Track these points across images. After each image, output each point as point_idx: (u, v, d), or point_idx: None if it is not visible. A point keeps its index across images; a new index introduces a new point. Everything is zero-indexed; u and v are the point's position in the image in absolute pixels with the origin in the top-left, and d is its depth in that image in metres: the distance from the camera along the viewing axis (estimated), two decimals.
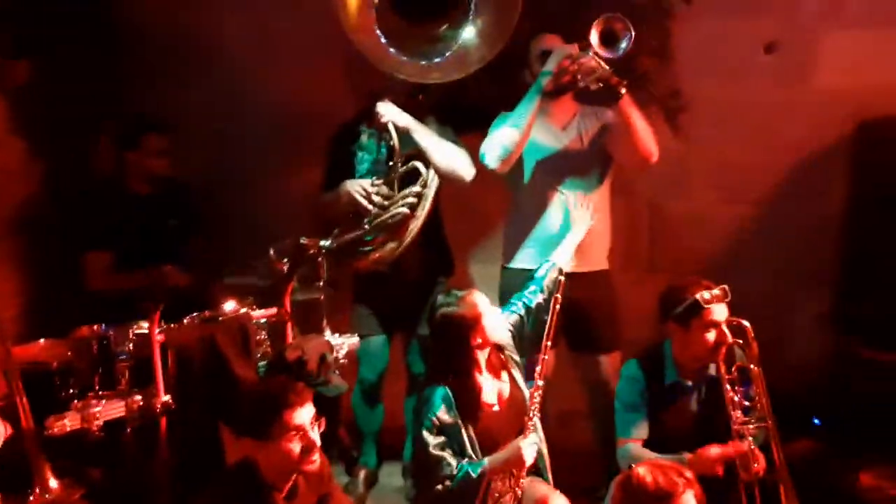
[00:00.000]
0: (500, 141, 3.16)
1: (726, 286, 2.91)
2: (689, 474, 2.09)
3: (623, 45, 3.02)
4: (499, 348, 2.97)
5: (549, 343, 2.89)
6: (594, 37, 3.00)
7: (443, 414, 2.78)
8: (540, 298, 3.05)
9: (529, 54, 3.31)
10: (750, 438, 2.85)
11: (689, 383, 3.01)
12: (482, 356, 2.88)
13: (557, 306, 2.93)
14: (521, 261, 3.33)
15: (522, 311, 3.04)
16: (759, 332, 2.94)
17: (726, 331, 2.91)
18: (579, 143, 3.32)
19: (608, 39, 3.02)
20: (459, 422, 2.79)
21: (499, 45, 3.06)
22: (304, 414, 2.38)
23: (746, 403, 2.89)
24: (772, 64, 3.74)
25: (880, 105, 3.61)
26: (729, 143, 3.78)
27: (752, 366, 2.91)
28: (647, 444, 2.98)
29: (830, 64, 3.69)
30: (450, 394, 2.81)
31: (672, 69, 3.76)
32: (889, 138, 3.52)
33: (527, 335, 3.04)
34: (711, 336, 2.90)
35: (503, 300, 3.33)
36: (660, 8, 3.71)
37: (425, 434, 2.77)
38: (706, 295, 2.88)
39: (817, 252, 3.79)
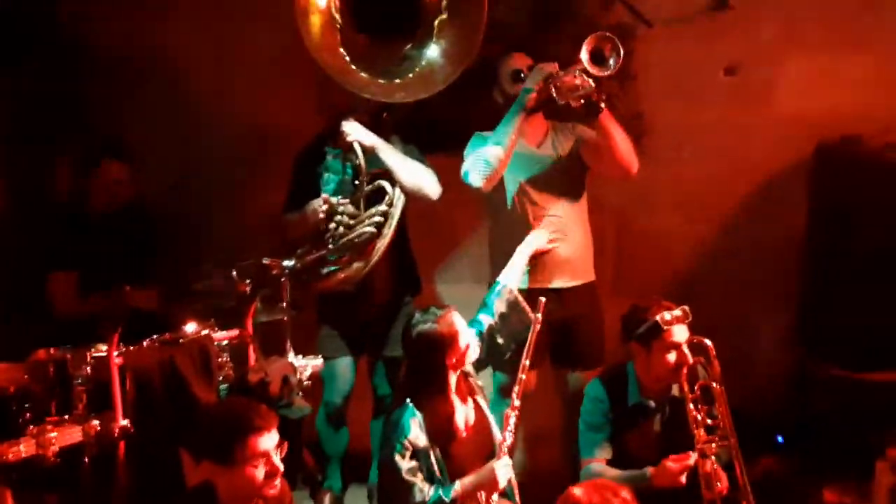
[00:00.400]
0: (483, 159, 3.18)
1: (686, 307, 2.93)
2: (625, 494, 2.09)
3: (612, 62, 3.04)
4: (465, 373, 2.95)
5: (527, 362, 2.88)
6: (584, 54, 3.02)
7: (415, 437, 2.75)
8: (490, 321, 3.04)
9: (498, 74, 3.33)
10: (713, 458, 2.86)
11: (652, 404, 3.02)
12: (453, 379, 2.86)
13: (538, 326, 2.91)
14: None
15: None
16: (722, 350, 2.97)
17: (687, 352, 2.93)
18: (557, 159, 3.35)
19: (597, 57, 3.04)
20: (430, 446, 2.77)
21: (463, 65, 3.07)
22: (270, 440, 2.34)
23: (709, 422, 2.91)
24: (732, 87, 3.80)
25: (836, 127, 3.68)
26: (691, 165, 3.84)
27: (714, 384, 2.93)
28: (611, 464, 2.98)
29: (789, 87, 3.77)
30: (420, 416, 2.79)
31: (635, 92, 3.81)
32: (845, 159, 3.59)
33: (481, 359, 3.01)
34: (672, 357, 2.92)
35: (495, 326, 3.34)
36: (624, 31, 3.76)
37: (397, 458, 2.73)
38: (666, 316, 2.89)
39: (779, 271, 3.84)
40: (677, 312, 2.91)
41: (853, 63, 3.71)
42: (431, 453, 2.76)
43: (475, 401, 2.95)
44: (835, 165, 3.63)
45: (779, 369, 3.84)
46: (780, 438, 3.63)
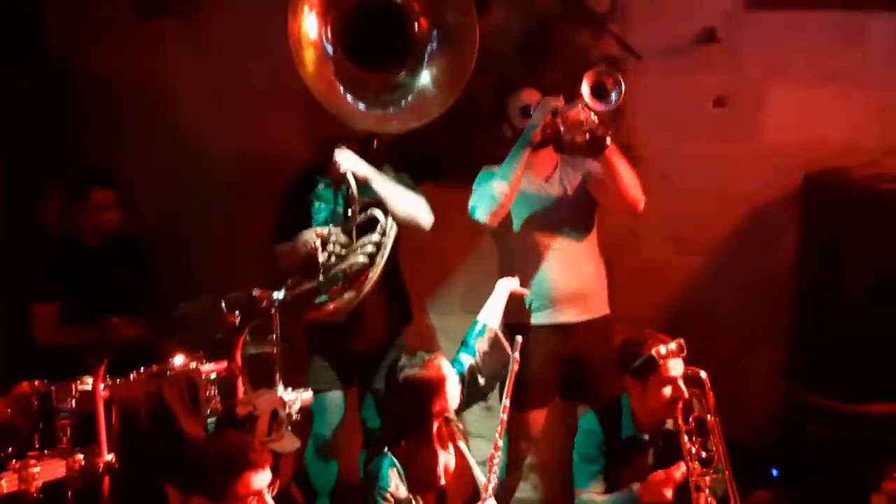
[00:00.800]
0: (490, 194, 3.17)
1: (682, 340, 2.91)
2: None
3: (614, 96, 3.04)
4: (446, 418, 2.90)
5: (507, 402, 2.85)
6: (585, 89, 3.02)
7: (394, 489, 2.73)
8: (471, 361, 3.00)
9: (507, 108, 3.34)
10: (707, 490, 2.83)
11: (647, 437, 3.00)
12: (435, 426, 2.83)
13: (516, 366, 2.88)
14: (531, 317, 3.31)
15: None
16: (714, 382, 2.96)
17: (682, 386, 2.91)
18: (564, 193, 3.35)
19: (599, 92, 3.04)
20: (411, 496, 2.74)
21: (455, 94, 3.08)
22: (263, 478, 2.31)
23: (704, 455, 2.88)
24: (721, 119, 3.83)
25: (825, 158, 3.71)
26: (681, 196, 3.84)
27: (708, 416, 2.91)
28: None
29: (776, 119, 3.79)
30: (398, 465, 2.77)
31: (625, 124, 3.82)
32: (834, 190, 3.61)
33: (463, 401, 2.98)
34: (668, 391, 2.90)
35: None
36: (613, 63, 3.79)
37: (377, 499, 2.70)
38: (662, 350, 2.87)
39: (770, 301, 3.84)
40: (672, 346, 2.89)
41: (839, 95, 3.76)
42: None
43: (456, 446, 2.91)
44: (824, 196, 3.65)
45: (771, 401, 3.83)
46: (774, 472, 3.59)
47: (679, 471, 2.84)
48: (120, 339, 3.25)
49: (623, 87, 3.02)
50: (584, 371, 3.32)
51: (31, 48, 3.83)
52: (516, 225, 3.31)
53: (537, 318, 3.30)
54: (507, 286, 3.17)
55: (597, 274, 3.38)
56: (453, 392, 2.84)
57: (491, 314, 3.10)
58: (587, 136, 3.11)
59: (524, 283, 3.28)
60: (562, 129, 3.12)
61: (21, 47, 3.76)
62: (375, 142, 3.27)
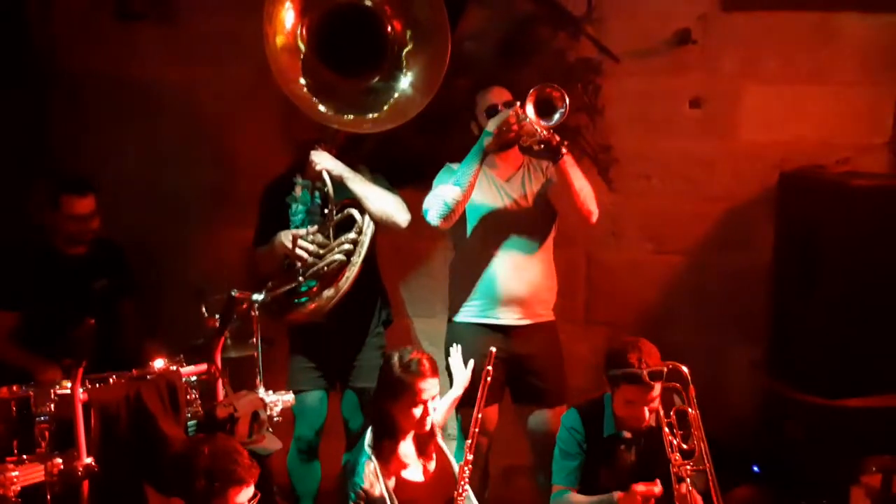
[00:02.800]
0: (442, 198, 3.18)
1: (659, 368, 2.87)
2: None
3: (557, 115, 3.07)
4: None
5: (479, 416, 2.86)
6: (529, 107, 3.05)
7: (369, 486, 2.74)
8: None
9: (476, 107, 3.34)
10: (688, 480, 2.84)
11: (628, 436, 3.01)
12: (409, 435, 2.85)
13: (489, 378, 2.88)
14: (466, 315, 3.33)
15: None
16: (694, 380, 2.97)
17: (646, 412, 2.90)
18: (523, 197, 3.34)
19: (544, 108, 3.07)
20: (386, 494, 2.74)
21: (430, 95, 3.09)
22: (247, 493, 2.31)
23: (685, 447, 2.89)
24: (697, 119, 3.87)
25: (799, 157, 3.77)
26: (659, 195, 3.89)
27: (690, 409, 2.93)
28: (582, 493, 2.98)
29: (752, 119, 3.84)
30: (375, 462, 2.78)
31: (602, 124, 3.87)
32: (809, 188, 3.65)
33: None
34: (629, 410, 2.93)
35: (448, 354, 3.31)
36: (591, 66, 3.83)
37: (353, 498, 2.73)
38: (630, 375, 2.85)
39: (748, 298, 3.88)
40: (645, 374, 2.84)
41: (813, 95, 3.82)
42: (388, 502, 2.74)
43: (437, 445, 2.92)
44: (799, 193, 3.69)
45: (751, 398, 3.86)
46: (755, 468, 3.62)
47: (658, 486, 2.85)
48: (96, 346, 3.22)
49: (568, 104, 3.05)
50: (526, 375, 3.30)
51: (12, 50, 3.81)
52: (471, 226, 3.31)
53: (480, 317, 3.30)
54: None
55: (545, 280, 3.36)
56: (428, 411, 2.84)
57: (440, 405, 3.02)
58: (541, 146, 3.15)
59: (470, 282, 3.29)
60: (521, 137, 3.16)
61: (1, 50, 3.74)
62: (344, 142, 3.27)
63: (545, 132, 3.09)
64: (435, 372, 2.86)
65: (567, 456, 3.02)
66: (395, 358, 2.86)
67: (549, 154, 3.18)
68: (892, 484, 3.10)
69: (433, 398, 2.85)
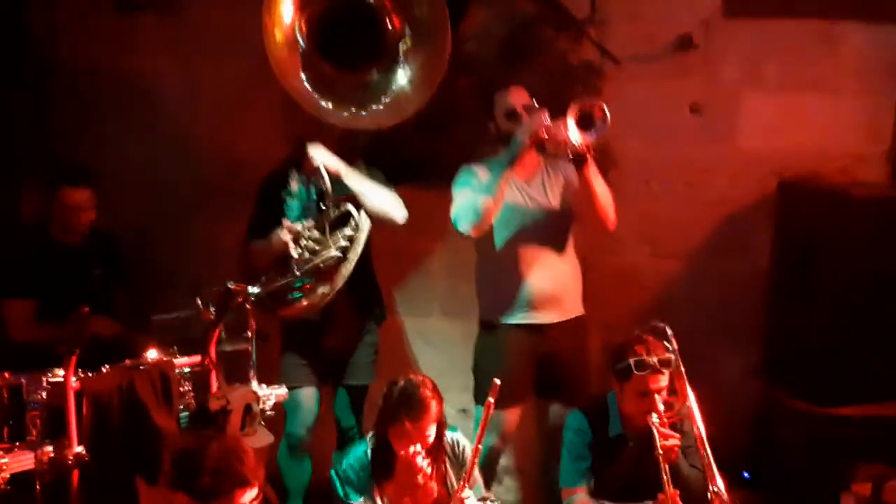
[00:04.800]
0: (474, 208, 3.19)
1: (670, 356, 2.90)
2: None
3: (597, 129, 3.07)
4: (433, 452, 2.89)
5: (480, 447, 2.85)
6: (571, 122, 3.06)
7: (352, 478, 2.80)
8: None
9: (495, 107, 3.34)
10: (681, 460, 2.87)
11: (633, 436, 3.00)
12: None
13: (490, 411, 2.85)
14: (502, 317, 3.34)
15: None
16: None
17: (658, 401, 2.90)
18: (544, 197, 3.37)
19: (584, 122, 3.08)
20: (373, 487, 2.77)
21: (430, 92, 3.09)
22: (251, 494, 2.31)
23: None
24: (697, 124, 3.88)
25: (798, 164, 3.79)
26: (658, 200, 3.91)
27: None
28: (592, 493, 3.00)
29: (752, 125, 3.86)
30: (368, 454, 2.80)
31: None
32: (808, 195, 3.66)
33: None
34: (640, 403, 2.93)
35: (482, 355, 3.35)
36: (591, 69, 3.84)
37: (333, 476, 2.83)
38: (643, 362, 2.87)
39: (744, 304, 3.89)
40: (654, 361, 2.87)
41: (813, 103, 3.83)
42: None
43: (443, 473, 2.91)
44: (797, 201, 3.71)
45: (744, 403, 3.86)
46: (746, 474, 3.62)
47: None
48: (91, 333, 3.21)
49: (609, 118, 3.05)
50: (558, 371, 3.34)
51: (12, 43, 3.80)
52: (497, 230, 3.33)
53: (513, 319, 3.32)
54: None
55: (573, 277, 3.41)
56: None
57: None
58: (569, 155, 3.17)
59: (501, 285, 3.31)
60: (546, 141, 3.17)
61: (1, 42, 3.74)
62: (348, 139, 3.27)
63: (575, 144, 3.09)
64: (439, 416, 2.84)
65: (577, 458, 3.02)
66: (400, 388, 2.83)
67: (574, 161, 3.19)
68: (883, 492, 3.10)
69: (426, 446, 2.83)
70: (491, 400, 2.84)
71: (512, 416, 3.33)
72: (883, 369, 3.45)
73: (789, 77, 3.84)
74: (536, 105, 3.21)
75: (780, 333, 3.74)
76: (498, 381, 2.86)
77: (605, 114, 3.06)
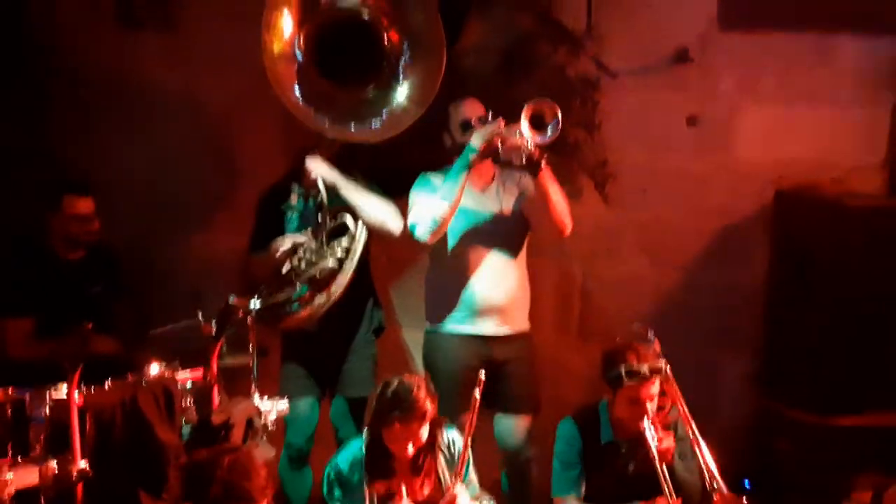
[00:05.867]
0: (430, 214, 3.21)
1: (661, 364, 2.92)
2: None
3: (550, 130, 3.10)
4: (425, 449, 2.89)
5: (469, 440, 2.86)
6: (524, 123, 3.08)
7: (344, 473, 2.81)
8: None
9: (449, 119, 3.35)
10: (676, 459, 2.89)
11: (625, 443, 3.02)
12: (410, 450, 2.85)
13: (477, 405, 2.87)
14: (447, 324, 3.35)
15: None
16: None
17: (649, 408, 2.92)
18: (498, 206, 3.38)
19: (537, 123, 3.10)
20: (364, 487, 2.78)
21: (425, 106, 3.13)
22: None
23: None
24: (694, 136, 3.91)
25: (795, 174, 3.82)
26: (656, 210, 3.93)
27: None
28: (585, 500, 3.00)
29: (748, 136, 3.89)
30: (362, 455, 2.82)
31: (600, 140, 3.90)
32: (804, 206, 3.68)
33: None
34: (631, 411, 2.94)
35: (427, 363, 3.36)
36: (588, 82, 3.88)
37: (326, 475, 2.85)
38: (633, 370, 2.89)
39: (742, 314, 3.92)
40: (644, 369, 2.89)
41: (809, 114, 3.86)
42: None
43: (436, 473, 2.91)
44: (794, 211, 3.73)
45: (743, 413, 3.88)
46: (747, 483, 3.63)
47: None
48: (93, 350, 3.22)
49: (560, 121, 3.08)
50: (498, 381, 3.27)
51: (14, 57, 3.83)
52: (450, 237, 3.34)
53: (459, 328, 3.33)
54: None
55: (520, 290, 3.39)
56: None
57: None
58: (523, 159, 3.18)
59: (451, 293, 3.32)
60: (500, 149, 3.19)
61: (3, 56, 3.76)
62: (335, 142, 3.28)
63: (531, 147, 3.12)
64: (434, 414, 2.84)
65: (567, 466, 3.04)
66: (392, 389, 2.81)
67: (529, 167, 3.20)
68: (883, 500, 3.12)
69: (419, 445, 2.84)
70: (477, 395, 2.86)
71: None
72: (880, 378, 3.47)
73: (785, 88, 3.87)
74: (491, 117, 3.21)
75: (778, 343, 3.76)
76: (483, 375, 2.88)
77: (556, 114, 3.09)
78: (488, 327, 3.31)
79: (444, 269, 3.38)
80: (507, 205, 3.37)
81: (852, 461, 3.32)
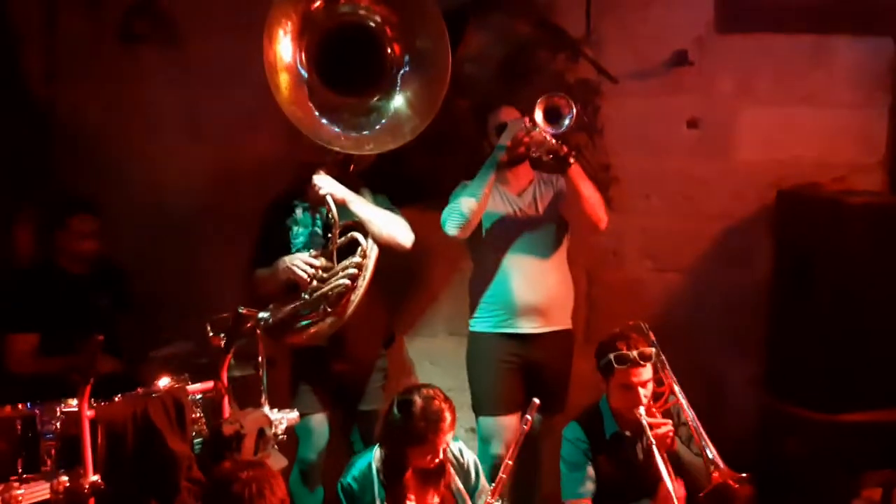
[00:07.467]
0: (458, 209, 3.28)
1: (651, 349, 2.97)
2: None
3: (566, 121, 3.21)
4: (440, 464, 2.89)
5: (510, 462, 2.89)
6: (538, 115, 3.19)
7: (355, 489, 2.82)
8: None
9: (487, 126, 3.45)
10: (677, 443, 2.93)
11: (629, 432, 3.04)
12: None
13: (526, 427, 2.90)
14: (486, 325, 3.42)
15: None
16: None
17: (641, 394, 2.94)
18: (534, 209, 3.45)
19: (552, 116, 3.21)
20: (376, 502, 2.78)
21: (429, 117, 3.12)
22: None
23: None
24: (695, 139, 3.93)
25: (796, 175, 3.83)
26: (658, 214, 3.94)
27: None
28: (597, 496, 3.01)
29: (748, 138, 3.90)
30: (374, 467, 2.82)
31: (602, 144, 3.92)
32: (806, 206, 3.70)
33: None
34: (624, 397, 2.97)
35: (471, 363, 3.43)
36: (590, 87, 3.89)
37: (339, 491, 2.85)
38: (624, 356, 2.94)
39: (746, 315, 3.91)
40: (634, 354, 2.93)
41: (807, 116, 3.88)
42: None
43: (448, 488, 2.91)
44: (796, 212, 3.74)
45: (748, 413, 3.88)
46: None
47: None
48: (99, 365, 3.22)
49: (575, 111, 3.18)
50: (537, 382, 3.35)
51: (14, 73, 3.84)
52: (488, 240, 3.41)
53: (498, 327, 3.38)
54: None
55: (561, 289, 3.47)
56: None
57: None
58: (549, 156, 3.27)
59: (492, 294, 3.40)
60: (531, 149, 3.27)
61: (3, 72, 3.77)
62: (352, 166, 3.28)
63: (553, 141, 3.21)
64: (454, 424, 2.86)
65: (575, 468, 3.04)
66: (418, 405, 2.82)
67: (558, 164, 3.30)
68: (893, 498, 3.12)
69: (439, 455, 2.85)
70: (529, 417, 2.90)
71: (509, 423, 3.34)
72: (885, 375, 3.47)
73: (783, 90, 3.89)
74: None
75: (782, 343, 3.76)
76: (537, 401, 2.92)
77: (571, 106, 3.18)
78: (527, 327, 3.37)
79: (485, 272, 3.44)
80: (544, 206, 3.45)
81: (860, 458, 3.32)
